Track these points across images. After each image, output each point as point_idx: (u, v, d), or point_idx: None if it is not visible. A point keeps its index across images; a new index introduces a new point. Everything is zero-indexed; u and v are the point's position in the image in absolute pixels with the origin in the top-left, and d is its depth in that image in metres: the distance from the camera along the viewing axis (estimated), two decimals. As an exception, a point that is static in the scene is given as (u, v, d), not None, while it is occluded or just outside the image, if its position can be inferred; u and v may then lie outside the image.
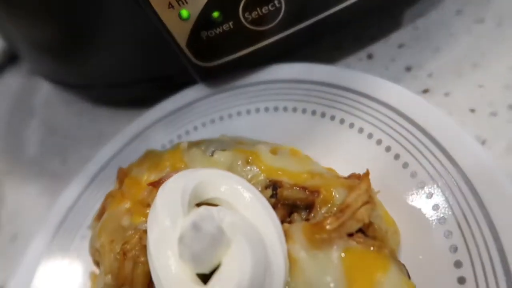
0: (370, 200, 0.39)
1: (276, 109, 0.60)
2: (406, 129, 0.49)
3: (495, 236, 0.39)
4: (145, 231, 0.42)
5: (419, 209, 0.44)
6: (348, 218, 0.38)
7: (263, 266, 0.35)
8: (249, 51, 0.58)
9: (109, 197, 0.53)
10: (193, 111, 0.66)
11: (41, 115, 0.91)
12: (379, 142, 0.50)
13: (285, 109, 0.60)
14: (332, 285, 0.35)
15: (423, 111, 0.48)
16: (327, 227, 0.38)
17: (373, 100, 0.52)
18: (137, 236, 0.42)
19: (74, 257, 0.59)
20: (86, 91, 0.78)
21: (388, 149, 0.50)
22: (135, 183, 0.51)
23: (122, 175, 0.53)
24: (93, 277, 0.58)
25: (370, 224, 0.39)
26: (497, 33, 0.58)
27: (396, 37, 0.64)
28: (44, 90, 0.95)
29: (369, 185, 0.40)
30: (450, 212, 0.42)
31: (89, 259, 0.55)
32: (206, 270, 0.35)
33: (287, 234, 0.39)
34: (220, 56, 0.58)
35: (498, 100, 0.53)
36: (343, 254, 0.37)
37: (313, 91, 0.58)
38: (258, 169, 0.46)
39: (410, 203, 0.45)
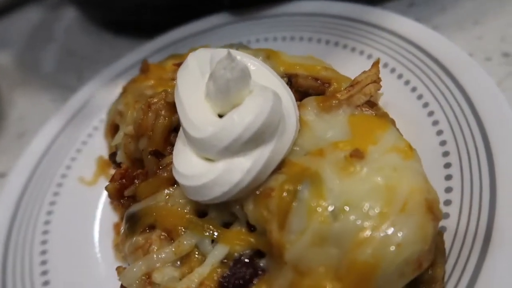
0: (377, 81, 0.44)
1: (292, 38, 0.66)
2: (411, 52, 0.54)
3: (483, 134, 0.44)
4: (170, 92, 0.46)
5: (417, 114, 0.49)
6: (357, 92, 0.43)
7: (278, 117, 0.39)
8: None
9: (132, 81, 0.57)
10: (214, 36, 0.70)
11: (61, 40, 0.94)
12: (385, 65, 0.56)
13: (301, 38, 0.65)
14: (335, 136, 0.39)
15: (424, 34, 0.54)
16: (338, 96, 0.43)
17: (380, 29, 0.58)
18: (162, 93, 0.46)
19: (84, 143, 0.63)
20: (111, 14, 0.82)
21: (393, 70, 0.55)
22: (160, 68, 0.56)
23: (146, 66, 0.58)
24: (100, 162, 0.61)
25: (375, 104, 0.44)
26: (498, 8, 0.65)
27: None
28: (66, 20, 0.99)
29: (378, 69, 0.45)
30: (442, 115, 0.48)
31: (99, 146, 0.59)
32: (227, 107, 0.39)
33: (300, 105, 0.43)
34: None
35: (493, 48, 0.59)
36: (349, 116, 0.41)
37: (328, 23, 0.64)
38: (277, 63, 0.51)
39: (409, 110, 0.50)
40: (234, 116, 0.37)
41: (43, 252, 0.53)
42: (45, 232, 0.55)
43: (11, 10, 1.06)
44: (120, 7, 0.78)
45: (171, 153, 0.44)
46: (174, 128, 0.46)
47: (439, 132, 0.47)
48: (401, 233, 0.33)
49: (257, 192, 0.38)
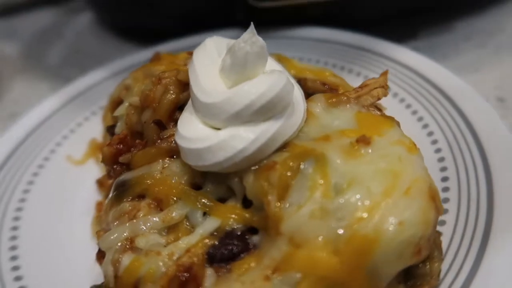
0: (385, 87, 0.45)
1: (301, 59, 0.68)
2: (411, 79, 0.57)
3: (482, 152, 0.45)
4: (182, 71, 0.47)
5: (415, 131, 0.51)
6: (365, 93, 0.44)
7: (289, 96, 0.39)
8: (296, 3, 0.67)
9: (142, 66, 0.57)
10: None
11: (70, 40, 0.96)
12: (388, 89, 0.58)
13: (309, 60, 0.67)
14: (342, 125, 0.40)
15: (424, 63, 0.57)
16: (347, 94, 0.44)
17: (385, 58, 0.61)
18: (174, 70, 0.47)
19: (80, 124, 0.62)
20: (124, 19, 0.84)
21: (395, 95, 0.57)
22: (172, 56, 0.56)
23: (157, 55, 0.58)
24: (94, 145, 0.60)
25: (380, 110, 0.45)
26: (496, 58, 0.69)
27: (412, 44, 0.75)
28: (79, 24, 1.01)
29: (386, 78, 0.47)
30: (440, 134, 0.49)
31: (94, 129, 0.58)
32: (241, 81, 0.39)
33: (308, 99, 0.44)
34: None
35: (489, 94, 0.62)
36: (356, 112, 0.42)
37: (336, 49, 0.66)
38: (287, 66, 0.52)
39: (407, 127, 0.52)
40: (248, 85, 0.38)
41: (16, 219, 0.50)
42: (22, 200, 0.52)
43: (27, 9, 1.08)
44: (134, 13, 0.81)
45: (173, 128, 0.43)
46: (180, 106, 0.46)
47: (438, 150, 0.48)
48: (404, 213, 0.32)
49: (259, 166, 0.37)
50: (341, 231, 0.32)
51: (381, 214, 0.32)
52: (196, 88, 0.40)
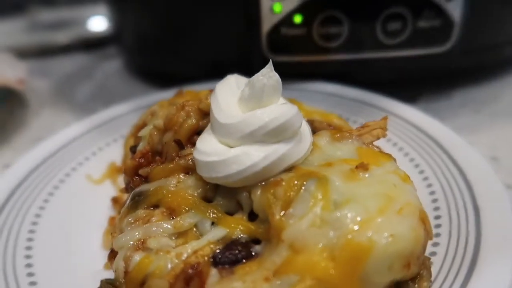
0: (384, 129, 0.50)
1: (309, 109, 0.74)
2: (410, 131, 0.62)
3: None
4: (204, 101, 0.52)
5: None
6: (366, 132, 0.49)
7: (299, 123, 0.44)
8: (309, 60, 0.75)
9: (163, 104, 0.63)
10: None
11: (98, 81, 1.04)
12: (388, 140, 0.63)
13: (317, 109, 0.73)
14: (344, 155, 0.44)
15: (422, 118, 0.63)
16: (349, 131, 0.48)
17: (388, 112, 0.66)
18: (197, 100, 0.52)
19: (101, 149, 0.67)
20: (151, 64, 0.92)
21: (394, 144, 0.62)
22: (194, 92, 0.62)
23: (180, 92, 0.65)
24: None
25: (380, 149, 0.50)
26: (491, 122, 0.75)
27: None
28: (108, 68, 1.10)
29: (386, 122, 0.52)
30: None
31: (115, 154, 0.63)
32: (257, 107, 0.44)
33: (315, 135, 0.49)
34: (286, 53, 0.74)
35: (484, 153, 0.66)
36: (357, 147, 0.46)
37: (342, 103, 0.73)
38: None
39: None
40: (263, 110, 0.43)
41: (34, 223, 0.53)
42: (41, 208, 0.55)
43: (64, 52, 1.18)
44: (160, 58, 0.89)
45: (190, 148, 0.48)
46: (199, 132, 0.51)
47: (432, 193, 0.52)
48: (397, 227, 0.36)
49: (267, 182, 0.41)
50: (337, 239, 0.35)
51: (375, 227, 0.35)
52: (216, 110, 0.45)
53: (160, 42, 0.88)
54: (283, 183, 0.40)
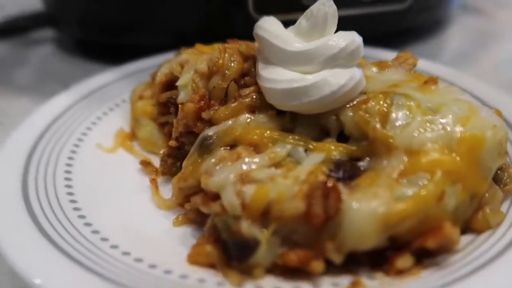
0: (415, 58, 0.54)
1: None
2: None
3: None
4: (242, 45, 0.50)
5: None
6: (403, 61, 0.52)
7: (363, 51, 0.45)
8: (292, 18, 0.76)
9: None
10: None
11: (36, 65, 0.91)
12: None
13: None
14: (401, 79, 0.47)
15: None
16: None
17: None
18: (236, 43, 0.50)
19: (99, 118, 0.59)
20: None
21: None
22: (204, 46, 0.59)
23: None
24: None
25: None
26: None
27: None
28: (46, 48, 0.96)
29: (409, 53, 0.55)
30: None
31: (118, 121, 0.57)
32: (320, 37, 0.44)
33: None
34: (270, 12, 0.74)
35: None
36: (405, 72, 0.49)
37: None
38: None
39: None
40: (336, 36, 0.43)
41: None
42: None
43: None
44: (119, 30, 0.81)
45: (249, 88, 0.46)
46: (244, 74, 0.49)
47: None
48: (493, 120, 0.39)
49: (354, 102, 0.42)
50: (451, 136, 0.38)
51: (479, 121, 0.39)
52: (280, 42, 0.44)
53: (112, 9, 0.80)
54: (371, 101, 0.41)
